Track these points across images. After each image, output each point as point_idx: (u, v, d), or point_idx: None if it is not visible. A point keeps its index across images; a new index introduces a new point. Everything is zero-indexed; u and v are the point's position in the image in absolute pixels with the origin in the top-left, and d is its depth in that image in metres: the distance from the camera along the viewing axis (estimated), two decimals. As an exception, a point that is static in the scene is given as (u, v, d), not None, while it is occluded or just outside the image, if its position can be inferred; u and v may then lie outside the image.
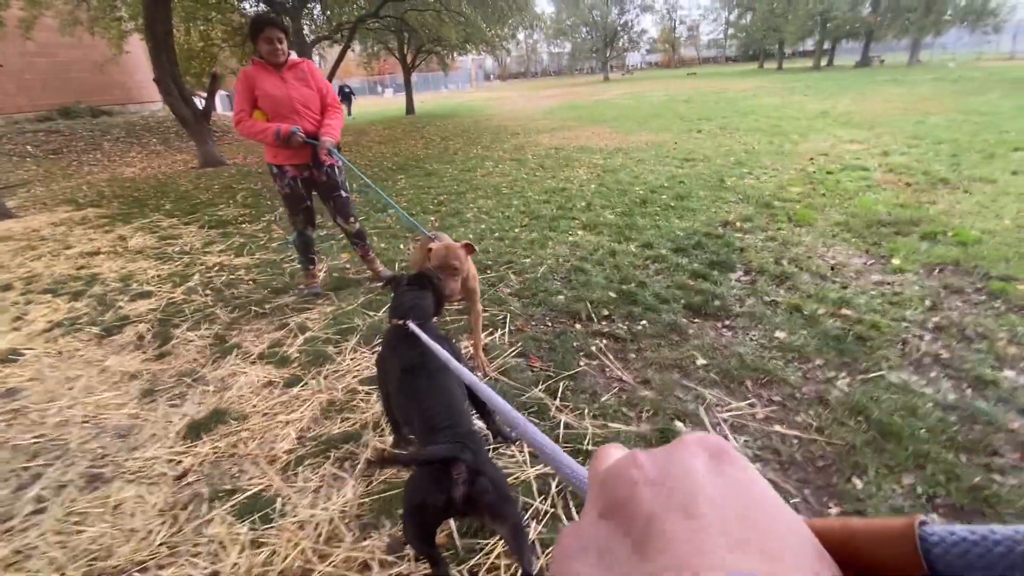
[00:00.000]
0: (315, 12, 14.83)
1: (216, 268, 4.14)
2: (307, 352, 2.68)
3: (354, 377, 2.42)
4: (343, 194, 3.16)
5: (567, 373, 2.36)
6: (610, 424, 2.00)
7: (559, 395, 2.21)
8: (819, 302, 2.92)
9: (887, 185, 5.21)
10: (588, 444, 1.89)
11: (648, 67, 59.87)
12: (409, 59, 19.21)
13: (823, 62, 34.15)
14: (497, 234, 4.52)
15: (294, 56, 2.88)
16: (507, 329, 2.82)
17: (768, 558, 0.17)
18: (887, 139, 7.56)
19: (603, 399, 2.17)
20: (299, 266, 3.52)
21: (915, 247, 3.60)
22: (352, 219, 3.26)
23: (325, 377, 2.45)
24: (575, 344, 2.61)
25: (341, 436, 2.02)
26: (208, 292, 3.65)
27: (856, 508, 1.58)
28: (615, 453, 0.24)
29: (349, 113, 19.92)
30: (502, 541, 1.28)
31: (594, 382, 2.30)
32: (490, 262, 3.82)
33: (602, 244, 4.06)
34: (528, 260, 3.82)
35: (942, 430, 1.89)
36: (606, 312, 2.96)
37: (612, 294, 3.17)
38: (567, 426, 2.00)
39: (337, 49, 15.36)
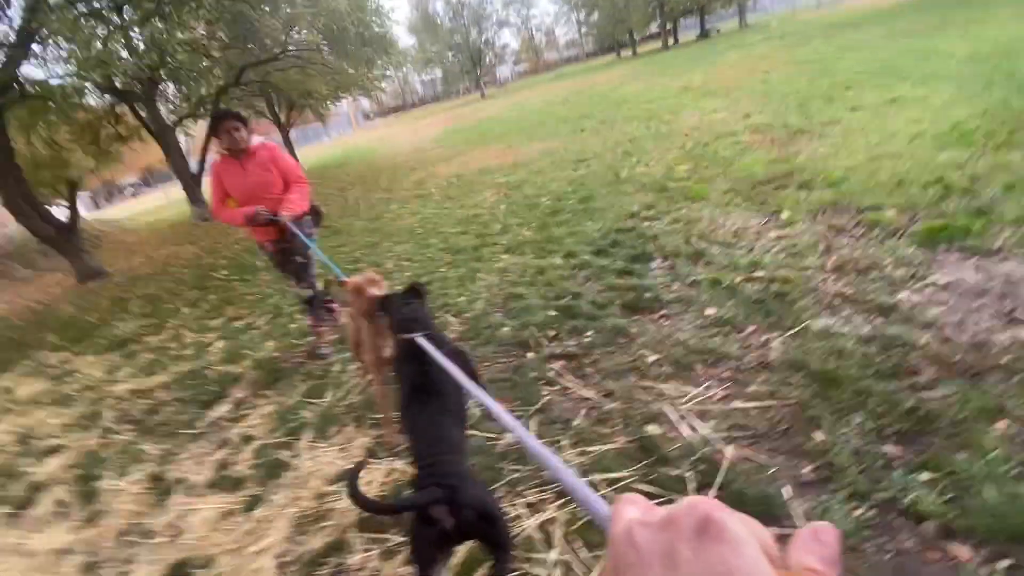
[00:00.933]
0: (169, 92, 13.95)
1: (129, 396, 3.74)
2: (259, 465, 2.49)
3: (320, 478, 2.27)
4: (298, 259, 3.32)
5: (535, 408, 2.37)
6: (589, 448, 2.03)
7: (534, 432, 2.21)
8: (733, 270, 3.16)
9: (756, 145, 5.76)
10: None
11: (519, 77, 62.20)
12: (283, 118, 18.60)
13: (670, 41, 37.25)
14: (424, 278, 4.46)
15: (257, 140, 3.10)
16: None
17: None
18: (744, 102, 8.37)
19: (575, 423, 2.20)
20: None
21: (796, 197, 4.00)
22: (304, 284, 3.40)
23: (288, 488, 2.28)
24: (533, 374, 2.63)
25: (325, 549, 1.88)
26: (127, 426, 3.28)
27: (826, 461, 1.72)
28: (628, 513, 0.28)
29: None
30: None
31: (562, 408, 2.33)
32: (425, 311, 3.76)
33: (528, 264, 4.14)
34: (463, 298, 3.81)
35: (868, 363, 2.11)
36: (552, 332, 3.01)
37: (552, 312, 3.24)
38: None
39: (204, 124, 14.53)
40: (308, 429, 2.68)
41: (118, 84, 9.96)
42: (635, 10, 35.45)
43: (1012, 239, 2.68)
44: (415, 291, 1.89)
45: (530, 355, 2.85)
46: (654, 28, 41.05)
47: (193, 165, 13.34)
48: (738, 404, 2.09)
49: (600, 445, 2.04)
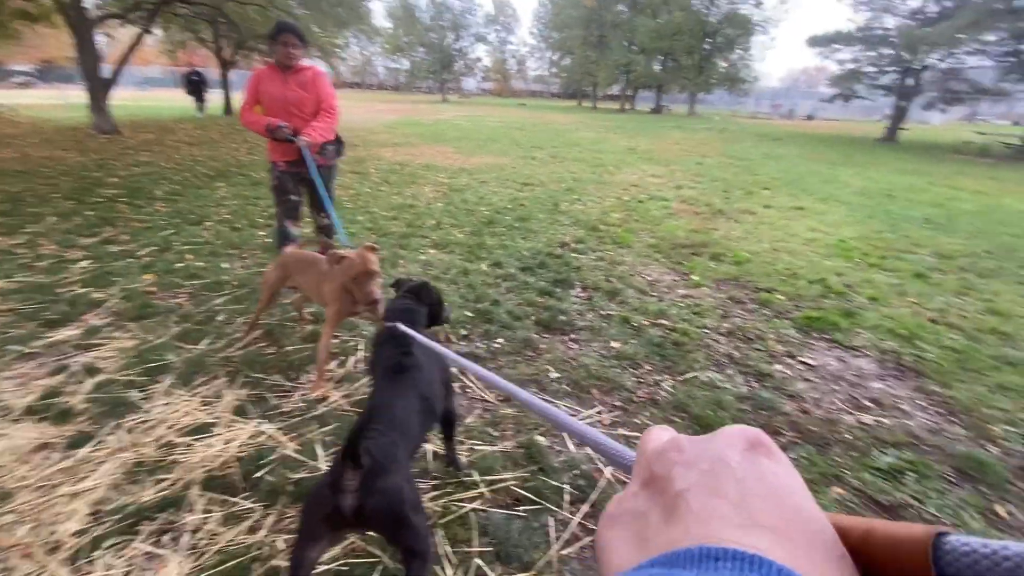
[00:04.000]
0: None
1: (-52, 297, 3.10)
2: (99, 401, 2.15)
3: (170, 427, 2.01)
4: (319, 190, 3.21)
5: (428, 398, 2.29)
6: (476, 446, 1.99)
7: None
8: (642, 314, 3.34)
9: (682, 213, 6.25)
10: (465, 467, 1.86)
11: (482, 93, 62.90)
12: (228, 54, 17.12)
13: (627, 106, 39.88)
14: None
15: (305, 63, 3.12)
16: (360, 356, 2.65)
17: (777, 539, 0.18)
18: (679, 175, 9.10)
19: (467, 421, 2.16)
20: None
21: (707, 266, 4.37)
22: (323, 214, 3.35)
23: (128, 431, 1.99)
24: (434, 367, 2.56)
25: (156, 503, 1.65)
26: (-65, 330, 2.71)
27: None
28: (663, 435, 0.26)
29: (200, 109, 16.68)
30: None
31: (458, 405, 2.28)
32: (335, 283, 3.55)
33: (454, 263, 4.09)
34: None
35: (740, 417, 2.31)
36: (464, 331, 2.98)
37: (469, 313, 3.21)
38: (436, 455, 1.94)
39: (132, 31, 12.95)
40: (170, 373, 2.38)
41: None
42: (604, 68, 37.65)
43: (868, 341, 3.11)
44: (423, 290, 1.76)
45: (460, 344, 2.77)
46: (615, 90, 43.72)
47: (106, 71, 11.78)
48: (623, 431, 2.18)
49: (487, 446, 2.01)
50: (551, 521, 1.68)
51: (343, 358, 2.63)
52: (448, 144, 12.00)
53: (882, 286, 4.01)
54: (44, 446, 1.88)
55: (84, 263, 3.73)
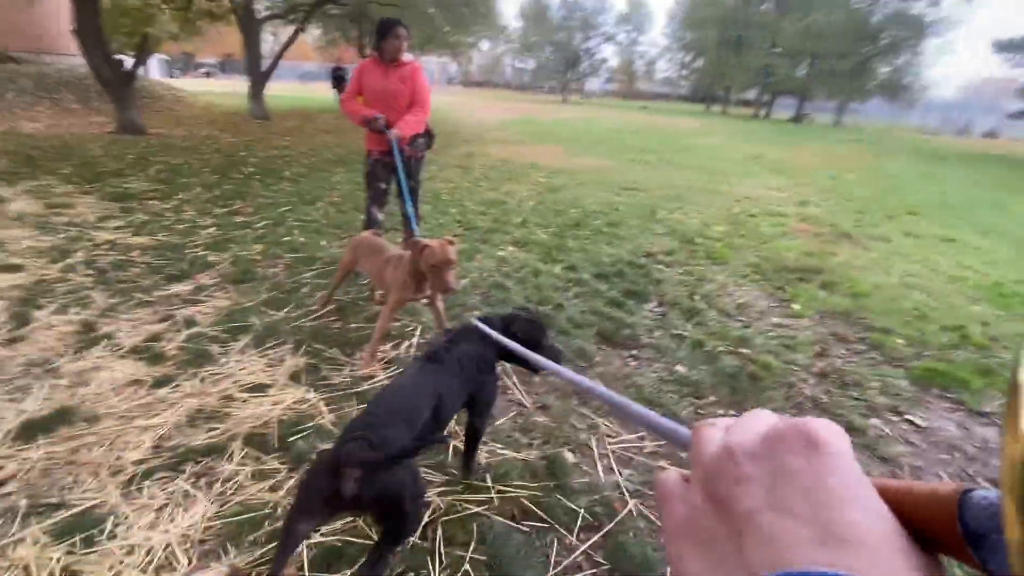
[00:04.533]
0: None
1: (106, 246, 3.74)
2: (187, 350, 2.44)
3: (234, 382, 2.22)
4: (412, 183, 3.41)
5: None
6: (499, 450, 1.94)
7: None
8: (721, 339, 3.03)
9: (799, 233, 5.59)
10: (481, 468, 1.82)
11: (605, 95, 61.99)
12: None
13: (762, 113, 36.78)
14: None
15: (406, 57, 3.26)
16: (415, 342, 2.72)
17: (856, 550, 0.18)
18: (806, 190, 8.17)
19: (498, 423, 2.11)
20: None
21: (814, 294, 3.85)
22: (406, 203, 3.40)
23: (201, 380, 2.23)
24: (480, 363, 2.54)
25: (203, 448, 1.83)
26: (90, 272, 3.28)
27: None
28: (715, 436, 0.26)
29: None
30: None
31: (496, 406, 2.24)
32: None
33: (529, 262, 4.05)
34: (452, 271, 3.74)
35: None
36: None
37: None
38: (455, 451, 1.92)
39: (291, 30, 14.70)
40: (249, 334, 2.64)
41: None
42: (739, 71, 35.08)
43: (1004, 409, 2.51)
44: (520, 322, 1.66)
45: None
46: (750, 95, 40.57)
47: (265, 65, 13.50)
48: (663, 463, 1.98)
49: (511, 451, 1.95)
50: (555, 544, 1.57)
51: (399, 341, 2.72)
52: (556, 144, 11.98)
53: (1046, 344, 3.23)
54: (135, 382, 2.18)
55: (211, 229, 4.29)
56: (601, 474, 1.89)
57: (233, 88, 23.38)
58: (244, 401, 2.09)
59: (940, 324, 3.42)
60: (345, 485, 1.12)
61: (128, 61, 9.49)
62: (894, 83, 30.42)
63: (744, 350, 2.93)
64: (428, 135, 3.52)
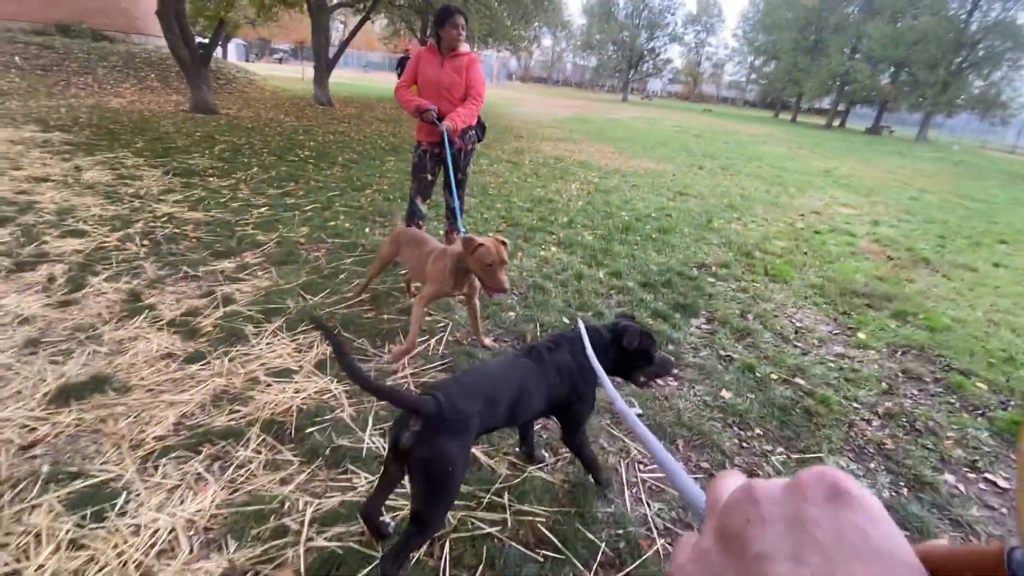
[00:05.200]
0: (340, -22, 14.51)
1: (164, 218, 3.89)
2: (222, 327, 2.46)
3: (262, 365, 2.20)
4: (459, 175, 3.37)
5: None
6: (520, 466, 1.82)
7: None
8: (774, 365, 2.78)
9: (870, 255, 5.14)
10: (498, 484, 1.71)
11: (667, 96, 60.27)
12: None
13: (836, 122, 34.65)
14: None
15: (465, 47, 3.20)
16: (444, 338, 2.64)
17: None
18: (880, 209, 7.56)
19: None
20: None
21: (884, 324, 3.50)
22: (452, 196, 3.35)
23: (231, 359, 2.23)
24: (510, 368, 2.43)
25: (222, 431, 1.81)
26: (145, 243, 3.40)
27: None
28: (734, 481, 0.26)
29: None
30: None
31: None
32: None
33: (572, 265, 3.90)
34: (491, 268, 3.64)
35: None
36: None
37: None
38: (474, 459, 1.81)
39: (355, 18, 15.04)
40: (283, 316, 2.63)
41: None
42: (814, 76, 33.18)
43: (1118, 480, 2.15)
44: (628, 333, 1.59)
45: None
46: (825, 103, 38.32)
47: (332, 52, 13.88)
48: (698, 501, 1.80)
49: (534, 469, 1.82)
50: (570, 579, 1.44)
51: (427, 337, 2.64)
52: (611, 144, 11.68)
53: None
54: (168, 355, 2.21)
55: (263, 209, 4.38)
56: (628, 504, 1.74)
57: (302, 74, 24.30)
58: (268, 386, 2.07)
59: (1033, 370, 3.02)
60: (402, 435, 1.20)
61: (202, 43, 9.96)
62: (988, 98, 27.79)
63: (799, 380, 2.67)
64: (480, 128, 3.45)
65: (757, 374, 2.68)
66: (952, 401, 2.66)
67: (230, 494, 1.56)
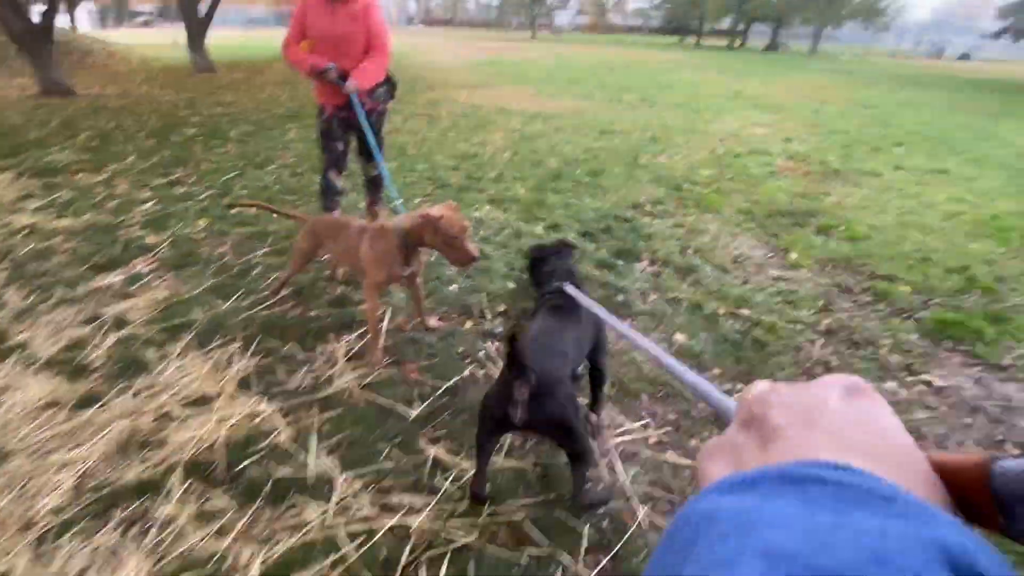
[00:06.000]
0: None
1: (24, 232, 3.27)
2: (117, 357, 2.10)
3: (173, 395, 1.90)
4: (368, 137, 2.96)
5: (445, 385, 2.02)
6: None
7: (434, 420, 1.86)
8: (720, 300, 2.80)
9: (788, 172, 5.32)
10: (462, 483, 1.58)
11: (575, 29, 59.09)
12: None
13: (737, 43, 35.55)
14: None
15: None
16: (384, 327, 2.41)
17: (869, 461, 0.19)
18: (789, 125, 7.83)
19: (483, 422, 1.85)
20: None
21: (811, 241, 3.62)
22: (372, 164, 3.08)
23: (134, 395, 1.91)
24: (461, 349, 2.27)
25: (136, 485, 1.53)
26: (3, 266, 2.84)
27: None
28: (762, 384, 0.27)
29: None
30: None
31: (477, 396, 1.98)
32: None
33: (508, 223, 3.71)
34: (423, 239, 3.38)
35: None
36: (502, 307, 2.64)
37: (512, 284, 2.86)
38: (436, 463, 1.66)
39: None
40: (191, 331, 2.29)
41: None
42: (713, -1, 33.55)
43: (1022, 360, 2.37)
44: (566, 247, 1.91)
45: (469, 324, 2.48)
46: (725, 24, 39.05)
47: (203, 9, 12.18)
48: (671, 457, 1.77)
49: (501, 457, 1.70)
50: (559, 574, 1.35)
51: (361, 331, 2.40)
52: (528, 85, 11.27)
53: (1052, 282, 3.09)
54: (53, 403, 1.85)
55: (148, 205, 3.81)
56: (605, 473, 1.67)
57: (176, 38, 21.39)
58: (184, 420, 1.79)
59: (944, 267, 3.25)
60: (514, 412, 1.28)
61: (36, 12, 8.36)
62: (868, 6, 29.44)
63: (745, 311, 2.71)
64: (389, 83, 3.09)
65: (705, 311, 2.69)
66: (881, 308, 2.80)
67: (156, 564, 1.33)
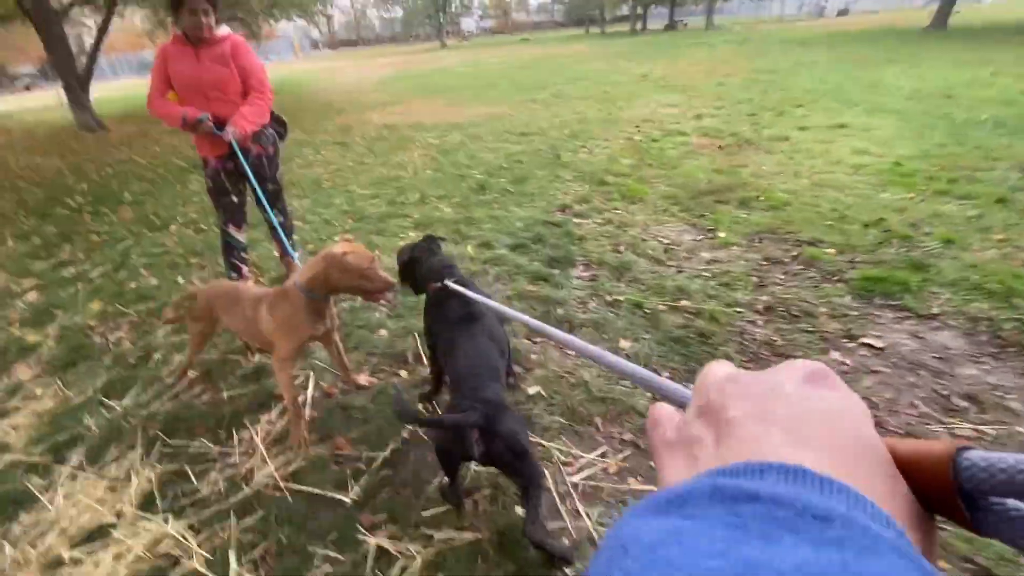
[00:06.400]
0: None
1: None
2: (-10, 497, 1.78)
3: (63, 532, 1.60)
4: (270, 186, 2.82)
5: (381, 455, 1.83)
6: (437, 534, 1.52)
7: (373, 501, 1.66)
8: (658, 294, 2.75)
9: (703, 149, 5.43)
10: (409, 572, 1.40)
11: (483, 33, 59.40)
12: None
13: (638, 26, 36.83)
14: (311, 246, 3.75)
15: (223, 31, 2.55)
16: (309, 396, 2.19)
17: (823, 456, 0.18)
18: (697, 102, 8.07)
19: (429, 489, 1.68)
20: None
21: (735, 216, 3.67)
22: (276, 210, 2.86)
23: (15, 542, 1.60)
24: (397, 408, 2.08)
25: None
26: None
27: None
28: (722, 369, 0.26)
29: None
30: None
31: (418, 463, 1.80)
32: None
33: (435, 248, 3.53)
34: (346, 282, 3.15)
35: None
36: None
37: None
38: (380, 554, 1.47)
39: (97, 16, 12.25)
40: (81, 446, 1.98)
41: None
42: (609, -14, 34.58)
43: (950, 305, 2.44)
44: (432, 241, 1.97)
45: (403, 374, 2.29)
46: (624, 10, 40.37)
47: (82, 64, 11.23)
48: (634, 484, 1.66)
49: (453, 531, 1.53)
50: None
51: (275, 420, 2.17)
52: (441, 96, 11.11)
53: (957, 220, 3.26)
54: (-96, 578, 1.52)
55: (30, 295, 3.36)
56: (570, 524, 1.54)
57: (60, 98, 19.71)
58: (79, 563, 1.51)
59: (861, 221, 3.35)
60: (471, 448, 1.31)
61: None
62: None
63: (684, 302, 2.67)
64: (278, 123, 2.86)
65: (646, 309, 2.63)
66: (813, 275, 2.84)
67: None
